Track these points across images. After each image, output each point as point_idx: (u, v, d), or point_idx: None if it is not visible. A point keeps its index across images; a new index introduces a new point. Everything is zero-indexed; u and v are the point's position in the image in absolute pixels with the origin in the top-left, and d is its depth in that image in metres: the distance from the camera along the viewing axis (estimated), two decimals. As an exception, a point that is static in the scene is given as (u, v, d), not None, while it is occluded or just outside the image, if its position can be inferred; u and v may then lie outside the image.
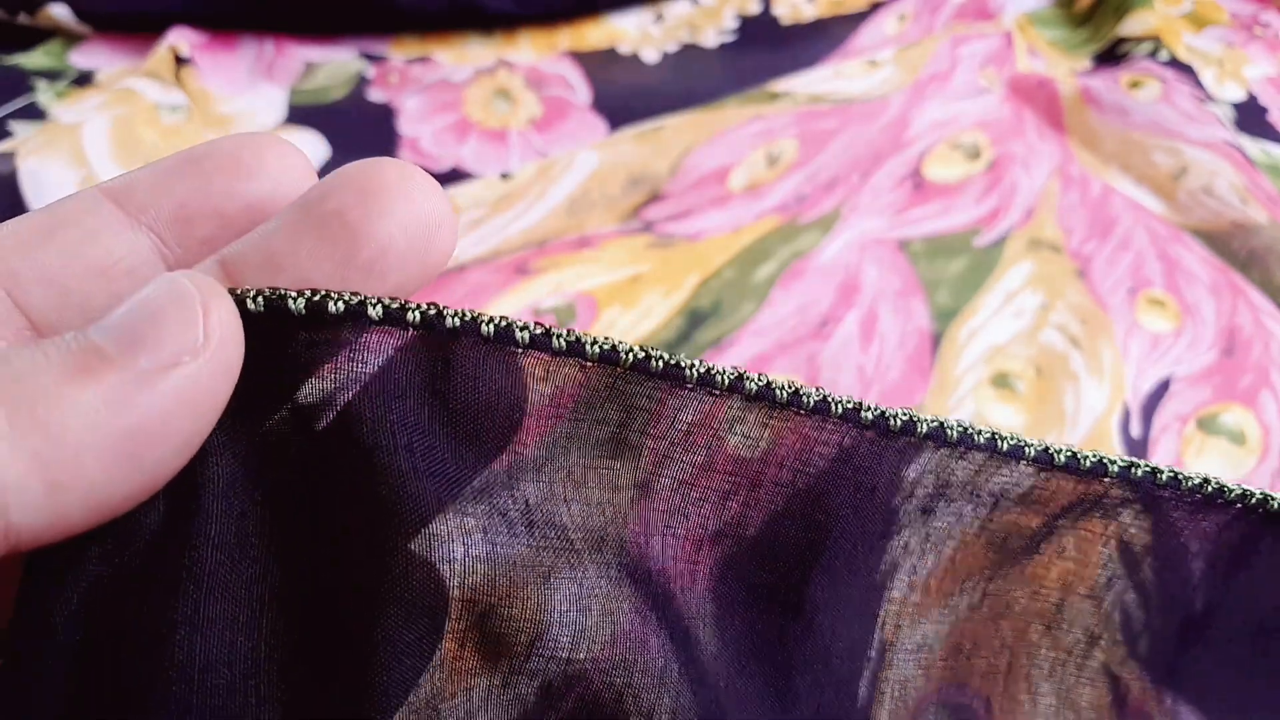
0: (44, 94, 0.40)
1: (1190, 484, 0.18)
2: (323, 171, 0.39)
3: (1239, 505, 0.19)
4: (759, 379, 0.16)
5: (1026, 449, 0.17)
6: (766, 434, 0.16)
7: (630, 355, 0.15)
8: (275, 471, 0.13)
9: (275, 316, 0.13)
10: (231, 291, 0.13)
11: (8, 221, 0.14)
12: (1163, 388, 0.35)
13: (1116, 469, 0.18)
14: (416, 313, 0.14)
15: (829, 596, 0.16)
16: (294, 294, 0.13)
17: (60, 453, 0.11)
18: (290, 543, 0.13)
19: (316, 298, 0.13)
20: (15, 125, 0.38)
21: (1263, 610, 0.19)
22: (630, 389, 0.15)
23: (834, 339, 0.35)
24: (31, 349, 0.11)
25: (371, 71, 0.43)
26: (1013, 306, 0.37)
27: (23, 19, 0.42)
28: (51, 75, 0.41)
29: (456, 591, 0.14)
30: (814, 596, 0.16)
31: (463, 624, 0.14)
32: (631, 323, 0.35)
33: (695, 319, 0.35)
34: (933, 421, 0.17)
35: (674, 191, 0.39)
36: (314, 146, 0.40)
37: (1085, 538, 0.18)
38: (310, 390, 0.13)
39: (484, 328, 0.14)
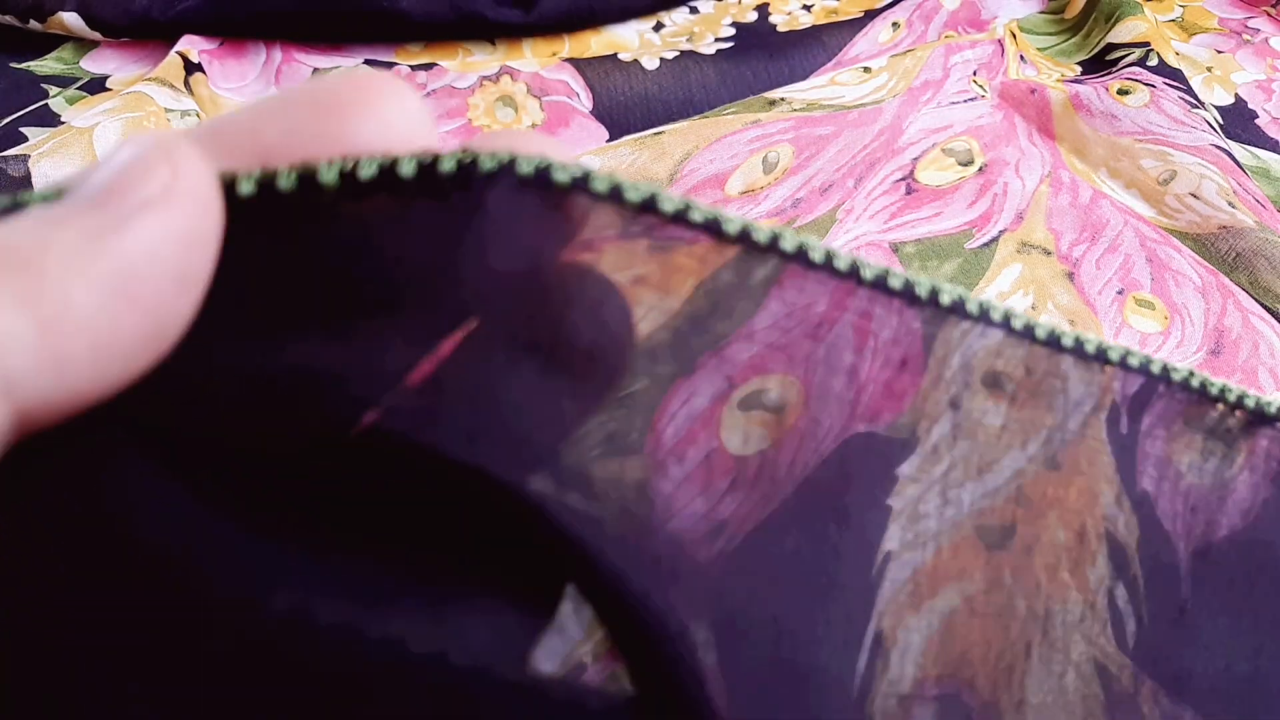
0: (57, 99, 0.41)
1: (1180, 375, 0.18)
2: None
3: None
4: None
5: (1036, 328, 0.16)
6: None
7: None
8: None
9: (267, 196, 0.12)
10: (223, 175, 0.12)
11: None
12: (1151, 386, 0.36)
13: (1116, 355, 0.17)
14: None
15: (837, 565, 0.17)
16: (285, 170, 0.12)
17: (43, 285, 0.10)
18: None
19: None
20: (29, 129, 0.39)
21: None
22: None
23: (827, 340, 0.36)
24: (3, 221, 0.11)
25: (377, 78, 0.44)
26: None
27: (33, 25, 0.43)
28: (64, 81, 0.42)
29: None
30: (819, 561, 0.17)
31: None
32: (631, 323, 0.36)
33: (694, 320, 0.36)
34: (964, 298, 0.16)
35: (673, 195, 0.40)
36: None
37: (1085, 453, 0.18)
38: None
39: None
